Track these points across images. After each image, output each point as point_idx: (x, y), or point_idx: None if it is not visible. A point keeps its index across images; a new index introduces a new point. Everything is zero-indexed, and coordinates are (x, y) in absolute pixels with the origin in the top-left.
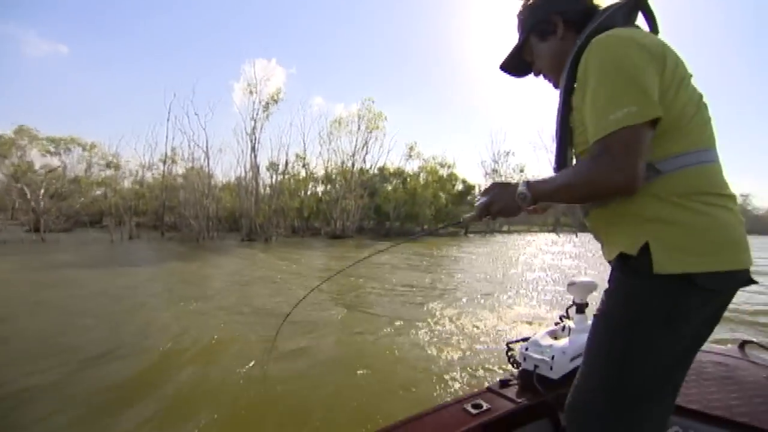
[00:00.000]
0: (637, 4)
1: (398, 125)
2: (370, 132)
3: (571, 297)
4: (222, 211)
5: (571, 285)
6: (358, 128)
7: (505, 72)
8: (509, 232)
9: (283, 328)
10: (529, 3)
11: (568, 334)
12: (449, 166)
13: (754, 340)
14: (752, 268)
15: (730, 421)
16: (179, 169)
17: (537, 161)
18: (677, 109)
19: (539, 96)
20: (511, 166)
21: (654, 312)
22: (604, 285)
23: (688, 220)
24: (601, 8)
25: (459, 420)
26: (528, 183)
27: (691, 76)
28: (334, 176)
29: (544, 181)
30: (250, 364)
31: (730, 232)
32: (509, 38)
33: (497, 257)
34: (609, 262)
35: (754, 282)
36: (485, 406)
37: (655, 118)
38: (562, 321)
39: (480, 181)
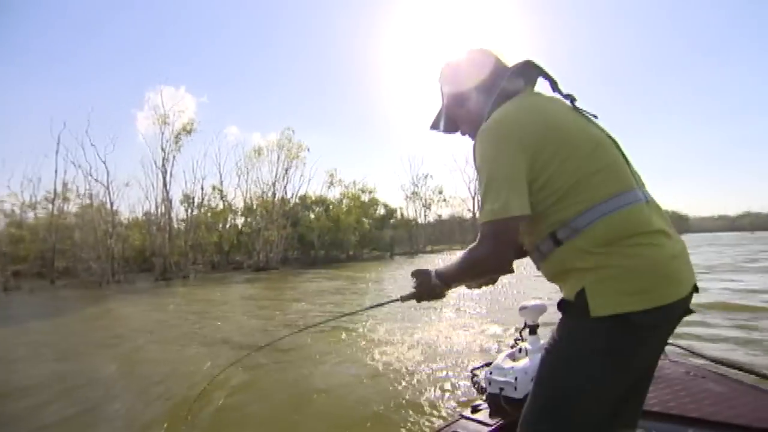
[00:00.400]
0: (535, 67)
1: (319, 151)
2: (291, 161)
3: (524, 320)
4: (129, 250)
5: (523, 309)
6: (278, 158)
7: (435, 130)
8: (432, 252)
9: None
10: (444, 73)
11: (526, 355)
12: (370, 191)
13: (670, 341)
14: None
15: (666, 415)
16: (72, 207)
17: (453, 182)
18: (571, 175)
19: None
20: (431, 188)
21: (594, 349)
22: (552, 307)
23: (617, 264)
24: (507, 70)
25: None
26: (438, 273)
27: (582, 140)
28: (254, 207)
29: (448, 268)
30: None
31: (660, 269)
32: (423, 61)
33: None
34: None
35: (692, 311)
36: None
37: (514, 217)
38: (518, 343)
39: (401, 204)
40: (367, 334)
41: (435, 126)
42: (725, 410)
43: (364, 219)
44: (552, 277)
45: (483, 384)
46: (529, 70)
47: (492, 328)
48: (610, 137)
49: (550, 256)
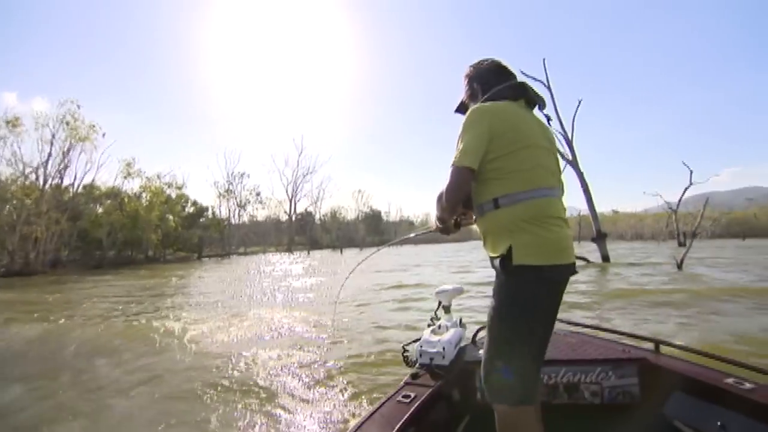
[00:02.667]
0: (524, 87)
1: (118, 135)
2: (76, 142)
3: (439, 301)
4: None
5: (441, 291)
6: (54, 136)
7: (458, 113)
8: (245, 253)
9: None
10: (467, 73)
11: (446, 330)
12: (178, 186)
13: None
14: None
15: (565, 360)
16: None
17: (271, 183)
18: (517, 163)
19: (276, 121)
20: (247, 188)
21: (523, 296)
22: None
23: (535, 233)
24: (506, 83)
25: (403, 409)
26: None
27: (531, 144)
28: (8, 194)
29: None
30: None
31: (561, 242)
32: (253, 56)
33: (229, 281)
34: (491, 259)
35: (576, 272)
36: (412, 395)
37: (467, 167)
38: (434, 322)
39: (214, 202)
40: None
41: (458, 110)
42: (579, 353)
43: (169, 216)
44: (484, 233)
45: (414, 357)
46: (520, 88)
47: (408, 315)
48: (554, 150)
49: (488, 215)
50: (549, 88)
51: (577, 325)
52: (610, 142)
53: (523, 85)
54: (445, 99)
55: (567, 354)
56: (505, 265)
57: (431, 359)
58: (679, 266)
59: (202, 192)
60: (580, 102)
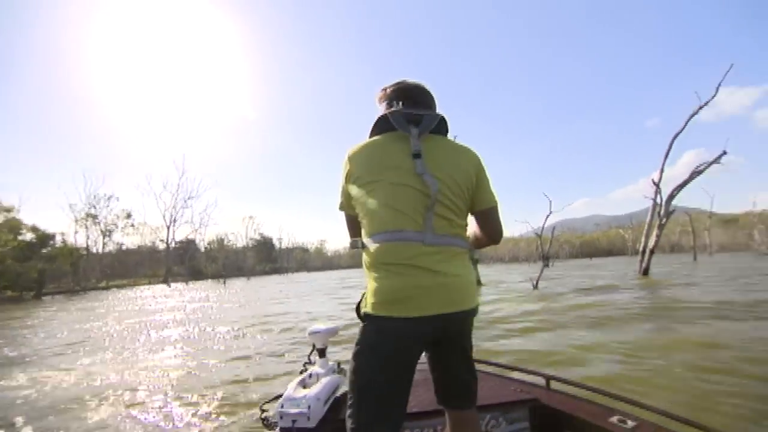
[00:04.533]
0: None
1: None
2: None
3: (313, 343)
4: None
5: (314, 333)
6: None
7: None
8: (107, 287)
9: None
10: (377, 95)
11: (317, 380)
12: (7, 209)
13: None
14: None
15: (422, 413)
16: None
17: (143, 206)
18: (376, 201)
19: (153, 141)
20: (114, 212)
21: (366, 345)
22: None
23: (380, 279)
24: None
25: None
26: None
27: (383, 180)
28: None
29: None
30: None
31: (398, 292)
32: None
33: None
34: None
35: (440, 325)
36: None
37: (344, 210)
38: (307, 368)
39: (66, 229)
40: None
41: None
42: (482, 396)
43: None
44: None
45: (273, 418)
46: (393, 119)
47: (273, 360)
48: (424, 189)
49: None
50: None
51: (499, 366)
52: (492, 172)
53: (407, 116)
54: (342, 124)
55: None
56: (358, 310)
57: (293, 422)
58: (535, 286)
59: (51, 216)
60: (455, 137)
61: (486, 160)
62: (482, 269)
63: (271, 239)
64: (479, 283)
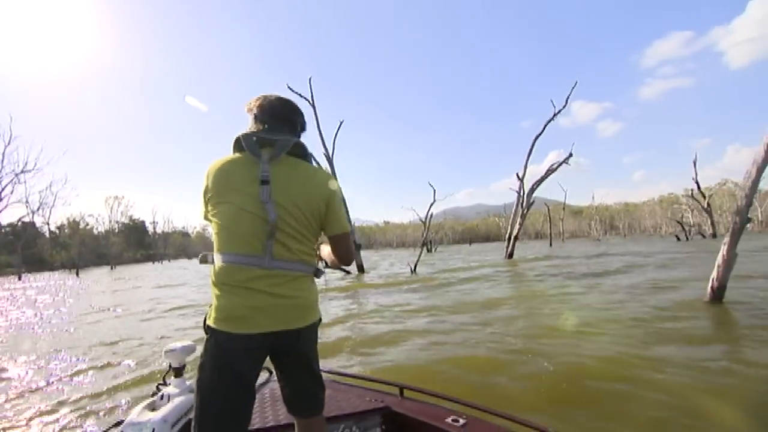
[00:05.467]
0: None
1: None
2: None
3: (168, 363)
4: None
5: (170, 351)
6: None
7: None
8: None
9: None
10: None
11: (168, 401)
12: None
13: None
14: None
15: (263, 429)
16: None
17: None
18: (221, 221)
19: None
20: None
21: (207, 356)
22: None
23: (218, 296)
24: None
25: None
26: None
27: (229, 202)
28: None
29: None
30: None
31: (233, 310)
32: None
33: None
34: None
35: (297, 350)
36: None
37: (206, 219)
38: (160, 390)
39: None
40: None
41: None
42: (334, 406)
43: None
44: None
45: None
46: (257, 142)
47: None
48: (265, 216)
49: None
50: (313, 105)
51: (327, 372)
52: (390, 160)
53: (248, 138)
54: (231, 106)
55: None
56: (205, 322)
57: None
58: (413, 271)
59: None
60: (341, 123)
61: (380, 147)
62: (370, 254)
63: (143, 223)
64: (361, 269)
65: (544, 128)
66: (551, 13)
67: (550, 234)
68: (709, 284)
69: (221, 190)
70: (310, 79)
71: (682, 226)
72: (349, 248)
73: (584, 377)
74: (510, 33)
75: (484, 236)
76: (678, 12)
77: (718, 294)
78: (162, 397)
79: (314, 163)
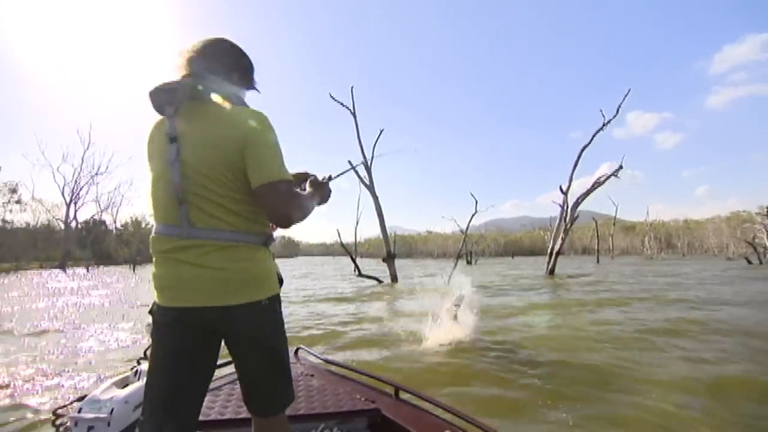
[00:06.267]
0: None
1: None
2: None
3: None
4: None
5: (150, 325)
6: None
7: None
8: None
9: None
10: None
11: (140, 379)
12: None
13: (305, 346)
14: None
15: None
16: None
17: (32, 180)
18: (150, 190)
19: (47, 106)
20: None
21: (152, 329)
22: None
23: (153, 267)
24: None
25: None
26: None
27: (149, 169)
28: None
29: None
30: None
31: (158, 281)
32: None
33: None
34: None
35: (222, 328)
36: None
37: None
38: (140, 364)
39: None
40: None
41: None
42: (307, 406)
43: None
44: None
45: (70, 425)
46: (160, 96)
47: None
48: (168, 175)
49: None
50: (354, 114)
51: (328, 362)
52: (433, 168)
53: (152, 93)
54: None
55: (293, 408)
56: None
57: (90, 428)
58: (447, 283)
59: None
60: (381, 131)
61: (423, 155)
62: (408, 263)
63: None
64: (395, 279)
65: (592, 139)
66: (610, 18)
67: (597, 250)
68: None
69: (147, 158)
70: (351, 88)
71: (754, 248)
72: (280, 203)
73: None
74: (564, 39)
75: (528, 250)
76: (754, 11)
77: None
78: (136, 373)
79: (237, 103)
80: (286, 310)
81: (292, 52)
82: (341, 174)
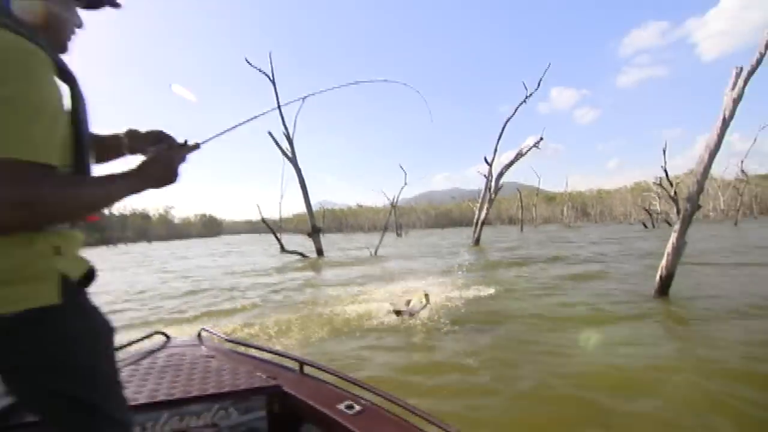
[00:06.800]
0: None
1: None
2: None
3: None
4: None
5: None
6: None
7: None
8: None
9: None
10: None
11: None
12: None
13: (208, 328)
14: None
15: (169, 402)
16: None
17: None
18: None
19: None
20: None
21: None
22: None
23: None
24: None
25: None
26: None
27: None
28: None
29: None
30: None
31: None
32: None
33: None
34: None
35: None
36: None
37: None
38: None
39: None
40: None
41: None
42: (199, 386)
43: None
44: None
45: None
46: None
47: None
48: None
49: None
50: (273, 81)
51: (233, 342)
52: (362, 141)
53: None
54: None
55: (185, 390)
56: None
57: None
58: (374, 254)
59: None
60: (303, 99)
61: (353, 128)
62: (337, 238)
63: None
64: (320, 253)
65: (515, 111)
66: None
67: (521, 219)
68: (658, 273)
69: None
70: (270, 54)
71: (650, 214)
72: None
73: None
74: (489, 16)
75: (458, 221)
76: (656, 1)
77: (665, 283)
78: None
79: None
80: (200, 295)
81: (211, 14)
82: (214, 138)
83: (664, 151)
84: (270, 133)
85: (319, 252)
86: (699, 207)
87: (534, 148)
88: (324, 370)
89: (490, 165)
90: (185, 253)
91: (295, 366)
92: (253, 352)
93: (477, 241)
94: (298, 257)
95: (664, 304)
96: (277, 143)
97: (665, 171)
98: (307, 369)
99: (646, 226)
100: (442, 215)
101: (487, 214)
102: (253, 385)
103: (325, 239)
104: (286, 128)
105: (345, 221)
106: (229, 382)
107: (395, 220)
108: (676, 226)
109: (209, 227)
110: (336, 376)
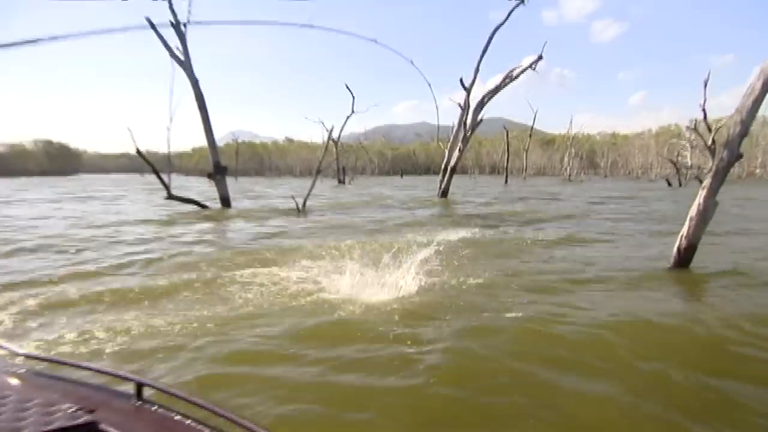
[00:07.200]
0: None
1: None
2: None
3: None
4: None
5: None
6: None
7: None
8: None
9: None
10: None
11: None
12: None
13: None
14: None
15: None
16: None
17: None
18: None
19: None
20: None
21: None
22: None
23: None
24: None
25: None
26: None
27: None
28: None
29: None
30: None
31: None
32: None
33: None
34: None
35: None
36: None
37: None
38: None
39: None
40: None
41: None
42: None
43: None
44: None
45: None
46: None
47: None
48: None
49: None
50: None
51: (44, 360)
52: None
53: None
54: None
55: None
56: None
57: None
58: (300, 209)
59: None
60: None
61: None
62: (256, 182)
63: None
64: (227, 203)
65: (508, 16)
66: None
67: (507, 168)
68: (676, 244)
69: None
70: None
71: (677, 168)
72: None
73: None
74: None
75: (424, 167)
76: None
77: (685, 256)
78: None
79: None
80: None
81: None
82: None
83: (706, 84)
84: (149, 20)
85: (224, 201)
86: (740, 156)
87: (529, 71)
88: (172, 394)
89: (468, 90)
90: (12, 195)
91: (130, 389)
92: (65, 371)
93: (444, 193)
94: (193, 207)
95: (681, 275)
96: (161, 37)
97: (704, 111)
98: (147, 392)
99: (670, 184)
100: (402, 158)
101: (459, 158)
102: (51, 425)
103: (237, 184)
104: (174, 15)
105: (269, 160)
106: (26, 424)
107: (337, 162)
108: (707, 182)
109: (59, 161)
110: (189, 402)
